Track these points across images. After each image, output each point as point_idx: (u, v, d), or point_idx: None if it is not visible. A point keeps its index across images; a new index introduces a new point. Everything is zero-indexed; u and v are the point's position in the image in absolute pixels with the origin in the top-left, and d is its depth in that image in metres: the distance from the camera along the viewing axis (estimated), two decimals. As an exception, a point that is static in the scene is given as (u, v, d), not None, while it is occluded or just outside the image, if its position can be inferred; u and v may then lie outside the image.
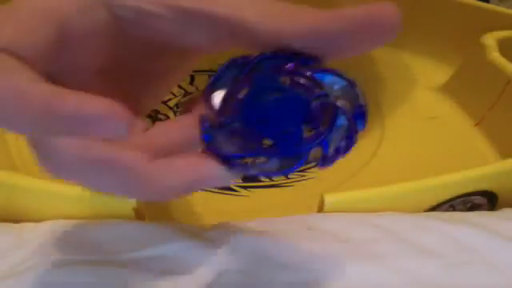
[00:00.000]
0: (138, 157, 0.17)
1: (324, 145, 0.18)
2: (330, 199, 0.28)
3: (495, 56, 0.42)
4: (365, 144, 0.42)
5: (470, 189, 0.30)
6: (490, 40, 0.44)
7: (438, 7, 0.52)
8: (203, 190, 0.18)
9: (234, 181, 0.18)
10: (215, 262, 0.25)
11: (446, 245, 0.26)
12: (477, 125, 0.43)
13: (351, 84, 0.19)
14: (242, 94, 0.17)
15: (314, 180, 0.38)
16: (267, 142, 0.18)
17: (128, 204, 0.27)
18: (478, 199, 0.30)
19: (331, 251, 0.25)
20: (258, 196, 0.37)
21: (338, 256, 0.25)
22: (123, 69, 0.19)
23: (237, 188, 0.37)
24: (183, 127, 0.19)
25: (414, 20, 0.54)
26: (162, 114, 0.44)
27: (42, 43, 0.16)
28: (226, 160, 0.18)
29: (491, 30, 0.45)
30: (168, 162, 0.18)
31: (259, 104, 0.17)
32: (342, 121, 0.18)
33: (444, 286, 0.24)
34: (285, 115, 0.17)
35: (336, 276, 0.24)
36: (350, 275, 0.24)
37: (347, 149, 0.19)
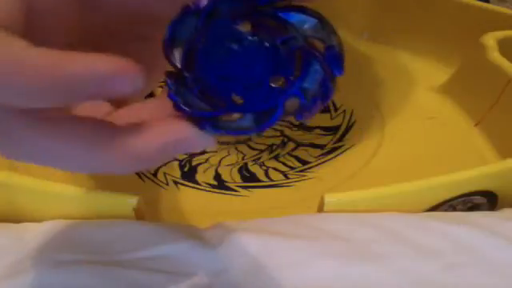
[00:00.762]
0: (103, 122, 0.16)
1: (299, 94, 0.16)
2: (330, 199, 0.28)
3: (495, 56, 0.42)
4: (365, 144, 0.42)
5: (470, 189, 0.30)
6: (490, 40, 0.44)
7: (438, 7, 0.52)
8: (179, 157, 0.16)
9: (211, 143, 0.16)
10: (215, 261, 0.25)
11: (446, 245, 0.26)
12: (477, 125, 0.43)
13: (322, 22, 0.17)
14: (202, 46, 0.16)
15: (314, 180, 0.38)
16: (236, 98, 0.16)
17: (128, 204, 0.27)
18: (478, 199, 0.30)
19: (331, 251, 0.25)
20: (258, 196, 0.37)
21: (338, 256, 0.25)
22: (101, 35, 0.18)
23: (237, 188, 0.37)
24: (159, 104, 0.18)
25: (414, 20, 0.54)
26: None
27: (16, 13, 0.14)
28: (198, 120, 0.16)
29: (491, 30, 0.45)
30: (137, 126, 0.16)
31: (219, 57, 0.16)
32: (316, 66, 0.16)
33: (444, 286, 0.24)
34: (250, 67, 0.16)
35: (336, 276, 0.24)
36: (350, 275, 0.24)
37: (325, 97, 0.17)
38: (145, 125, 0.16)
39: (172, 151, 0.16)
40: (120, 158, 0.16)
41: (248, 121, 0.16)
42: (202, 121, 0.16)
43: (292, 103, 0.16)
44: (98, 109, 0.18)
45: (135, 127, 0.16)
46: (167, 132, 0.16)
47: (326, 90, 0.16)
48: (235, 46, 0.16)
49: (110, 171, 0.16)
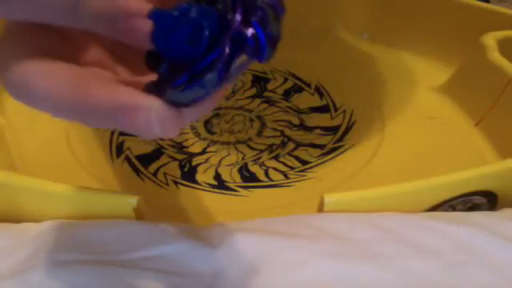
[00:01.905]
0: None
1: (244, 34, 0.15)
2: (330, 199, 0.28)
3: (495, 56, 0.42)
4: (365, 144, 0.42)
5: (470, 189, 0.30)
6: (490, 40, 0.44)
7: (438, 7, 0.52)
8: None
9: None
10: (215, 261, 0.25)
11: (446, 245, 0.26)
12: (477, 125, 0.43)
13: None
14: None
15: (314, 180, 0.38)
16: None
17: (128, 204, 0.27)
18: (478, 199, 0.30)
19: (331, 251, 0.25)
20: (258, 196, 0.37)
21: (338, 256, 0.25)
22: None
23: (237, 188, 0.37)
24: None
25: (414, 20, 0.54)
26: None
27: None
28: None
29: (491, 29, 0.45)
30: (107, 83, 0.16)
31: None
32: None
33: (444, 286, 0.24)
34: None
35: (336, 276, 0.24)
36: (350, 275, 0.24)
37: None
38: (113, 84, 0.16)
39: (129, 116, 0.15)
40: (77, 105, 0.15)
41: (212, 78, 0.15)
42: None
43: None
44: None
45: (102, 82, 0.16)
46: (131, 94, 0.16)
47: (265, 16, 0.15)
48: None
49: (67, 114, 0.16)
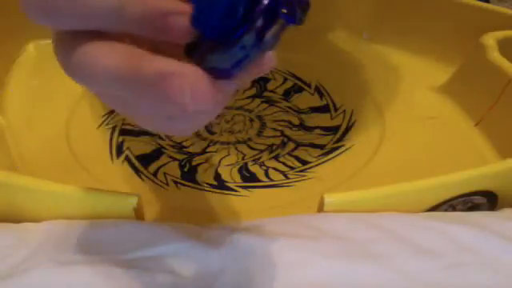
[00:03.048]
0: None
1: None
2: (330, 199, 0.28)
3: (495, 56, 0.42)
4: (365, 144, 0.42)
5: (470, 189, 0.30)
6: (490, 40, 0.44)
7: (438, 7, 0.52)
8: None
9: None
10: (215, 261, 0.25)
11: (446, 245, 0.26)
12: (477, 125, 0.43)
13: None
14: None
15: (314, 180, 0.38)
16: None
17: (128, 204, 0.27)
18: (478, 199, 0.30)
19: (331, 251, 0.25)
20: (258, 196, 0.37)
21: (338, 256, 0.25)
22: None
23: (237, 188, 0.37)
24: None
25: (413, 20, 0.54)
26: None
27: None
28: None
29: (491, 29, 0.45)
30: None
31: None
32: None
33: (444, 286, 0.24)
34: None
35: (336, 276, 0.24)
36: (350, 275, 0.24)
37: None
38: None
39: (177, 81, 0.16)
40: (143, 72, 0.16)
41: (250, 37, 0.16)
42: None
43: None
44: None
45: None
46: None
47: None
48: None
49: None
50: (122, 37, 0.18)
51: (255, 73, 0.19)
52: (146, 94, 0.17)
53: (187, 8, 0.16)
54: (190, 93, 0.15)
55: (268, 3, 0.16)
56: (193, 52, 0.18)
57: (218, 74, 0.16)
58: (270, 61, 0.19)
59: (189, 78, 0.16)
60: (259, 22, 0.16)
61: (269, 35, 0.16)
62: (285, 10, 0.16)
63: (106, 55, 0.17)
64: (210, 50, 0.17)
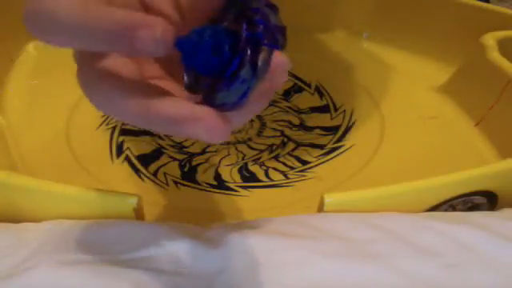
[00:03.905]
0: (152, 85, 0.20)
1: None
2: (330, 199, 0.28)
3: (495, 56, 0.42)
4: (365, 144, 0.42)
5: (470, 189, 0.30)
6: (490, 40, 0.44)
7: (438, 7, 0.52)
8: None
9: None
10: (215, 261, 0.25)
11: (446, 245, 0.26)
12: (477, 125, 0.43)
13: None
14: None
15: (314, 180, 0.38)
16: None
17: (128, 204, 0.27)
18: (478, 199, 0.30)
19: (331, 251, 0.25)
20: (258, 196, 0.37)
21: (337, 256, 0.25)
22: None
23: (237, 188, 0.37)
24: None
25: (414, 20, 0.54)
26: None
27: None
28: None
29: (491, 29, 0.45)
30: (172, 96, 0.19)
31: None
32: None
33: (444, 286, 0.24)
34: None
35: (336, 276, 0.24)
36: (350, 275, 0.24)
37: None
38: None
39: (195, 126, 0.18)
40: (153, 114, 0.18)
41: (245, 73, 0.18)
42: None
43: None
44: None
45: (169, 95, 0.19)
46: (195, 107, 0.18)
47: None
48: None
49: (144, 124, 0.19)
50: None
51: (274, 88, 0.20)
52: (166, 130, 0.19)
53: (157, 21, 0.17)
54: (206, 132, 0.18)
55: (248, 34, 0.18)
56: (195, 88, 0.19)
57: (228, 108, 0.18)
58: (284, 78, 0.20)
59: (203, 121, 0.17)
60: (248, 53, 0.17)
61: (261, 62, 0.18)
62: (266, 41, 0.18)
63: (124, 102, 0.18)
64: (212, 87, 0.18)
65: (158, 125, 0.18)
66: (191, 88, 0.20)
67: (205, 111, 0.17)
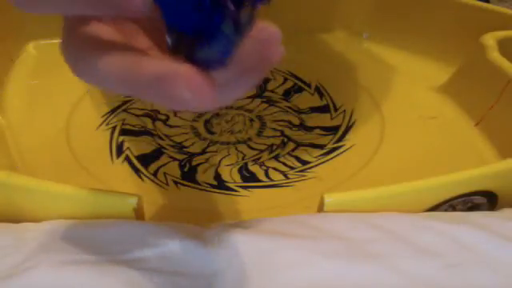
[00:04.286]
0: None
1: None
2: (329, 199, 0.28)
3: (495, 56, 0.42)
4: (365, 144, 0.42)
5: (470, 189, 0.30)
6: (490, 40, 0.44)
7: (438, 7, 0.52)
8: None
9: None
10: (215, 261, 0.25)
11: (446, 245, 0.26)
12: (477, 125, 0.43)
13: None
14: None
15: (314, 180, 0.38)
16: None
17: (128, 204, 0.27)
18: (478, 199, 0.30)
19: (331, 251, 0.25)
20: (258, 196, 0.37)
21: (337, 256, 0.25)
22: None
23: (237, 188, 0.37)
24: None
25: (414, 20, 0.54)
26: (163, 114, 0.44)
27: None
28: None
29: (491, 29, 0.45)
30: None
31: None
32: None
33: (444, 286, 0.24)
34: None
35: (336, 276, 0.24)
36: (350, 275, 0.24)
37: None
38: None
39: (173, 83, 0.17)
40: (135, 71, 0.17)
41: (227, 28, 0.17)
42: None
43: None
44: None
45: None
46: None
47: None
48: None
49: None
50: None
51: (265, 65, 0.19)
52: (148, 94, 0.18)
53: None
54: (189, 91, 0.16)
55: None
56: (178, 49, 0.18)
57: (210, 65, 0.17)
58: (277, 52, 0.19)
59: (184, 77, 0.16)
60: (231, 8, 0.17)
61: (244, 18, 0.17)
62: None
63: (107, 64, 0.18)
64: (194, 45, 0.18)
65: (140, 87, 0.18)
66: (174, 49, 0.19)
67: (187, 68, 0.17)
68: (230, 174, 0.38)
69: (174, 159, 0.39)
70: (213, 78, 0.17)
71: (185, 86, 0.16)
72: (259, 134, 0.43)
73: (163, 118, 0.44)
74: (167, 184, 0.37)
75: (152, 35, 0.22)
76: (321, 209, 0.28)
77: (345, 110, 0.46)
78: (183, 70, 0.16)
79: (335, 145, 0.42)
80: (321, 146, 0.42)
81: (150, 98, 0.18)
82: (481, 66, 0.43)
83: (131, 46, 0.20)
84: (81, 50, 0.19)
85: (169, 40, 0.19)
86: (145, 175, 0.38)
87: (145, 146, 0.41)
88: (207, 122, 0.44)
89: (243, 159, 0.40)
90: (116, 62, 0.18)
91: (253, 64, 0.19)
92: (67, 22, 0.20)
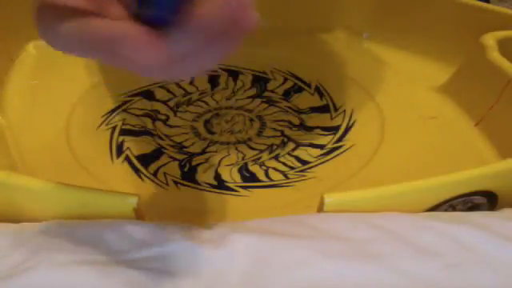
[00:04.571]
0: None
1: None
2: (330, 199, 0.28)
3: (495, 56, 0.42)
4: (365, 144, 0.42)
5: (470, 189, 0.30)
6: (490, 40, 0.44)
7: (438, 7, 0.52)
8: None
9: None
10: (215, 261, 0.25)
11: (446, 245, 0.26)
12: (477, 125, 0.43)
13: None
14: None
15: (314, 180, 0.38)
16: None
17: (128, 204, 0.27)
18: (478, 199, 0.30)
19: (331, 251, 0.25)
20: (258, 196, 0.37)
21: (338, 256, 0.25)
22: None
23: (237, 188, 0.37)
24: None
25: (413, 20, 0.54)
26: (163, 114, 0.44)
27: None
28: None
29: (491, 30, 0.45)
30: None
31: None
32: None
33: (444, 286, 0.24)
34: None
35: (336, 276, 0.24)
36: (350, 275, 0.24)
37: None
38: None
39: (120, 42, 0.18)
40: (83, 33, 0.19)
41: None
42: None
43: None
44: None
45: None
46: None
47: None
48: None
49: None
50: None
51: (237, 30, 0.19)
52: (105, 55, 0.19)
53: None
54: (134, 50, 0.17)
55: None
56: (137, 12, 0.19)
57: (155, 21, 0.18)
58: (249, 16, 0.19)
59: (130, 37, 0.17)
60: None
61: None
62: None
63: (70, 30, 0.19)
64: (142, 2, 0.18)
65: (98, 49, 0.18)
66: (136, 13, 0.20)
67: (134, 28, 0.18)
68: (230, 174, 0.38)
69: (174, 159, 0.39)
70: (161, 39, 0.18)
71: (131, 46, 0.17)
72: (259, 133, 0.43)
73: (163, 117, 0.44)
74: (167, 184, 0.37)
75: (125, 4, 0.22)
76: (321, 209, 0.28)
77: (345, 110, 0.46)
78: (130, 31, 0.17)
79: (335, 145, 0.42)
80: (321, 146, 0.42)
81: (108, 60, 0.19)
82: (481, 66, 0.43)
83: (102, 14, 0.21)
84: (48, 17, 0.20)
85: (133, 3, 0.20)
86: (145, 175, 0.38)
87: (145, 146, 0.41)
88: (207, 122, 0.44)
89: (243, 159, 0.40)
90: (78, 28, 0.19)
91: (222, 29, 0.18)
92: None
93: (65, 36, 0.19)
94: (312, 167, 0.39)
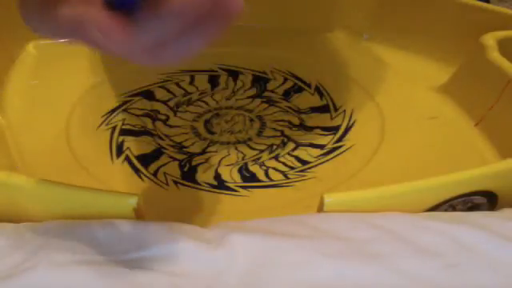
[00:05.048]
0: None
1: None
2: (329, 199, 0.28)
3: (495, 56, 0.42)
4: (365, 144, 0.42)
5: (470, 189, 0.30)
6: (490, 40, 0.44)
7: (438, 7, 0.52)
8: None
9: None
10: (215, 261, 0.25)
11: (446, 245, 0.26)
12: (477, 125, 0.43)
13: None
14: None
15: (314, 180, 0.38)
16: None
17: (128, 204, 0.27)
18: (478, 199, 0.30)
19: (331, 251, 0.25)
20: (258, 196, 0.37)
21: (338, 256, 0.25)
22: None
23: (237, 188, 0.37)
24: None
25: (413, 20, 0.54)
26: (163, 114, 0.44)
27: None
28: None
29: (491, 29, 0.45)
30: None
31: None
32: None
33: (444, 286, 0.24)
34: None
35: (336, 276, 0.24)
36: (350, 275, 0.24)
37: None
38: None
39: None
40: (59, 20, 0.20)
41: None
42: None
43: None
44: None
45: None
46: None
47: None
48: None
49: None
50: None
51: (223, 15, 0.19)
52: (77, 38, 0.20)
53: None
54: (100, 33, 0.18)
55: None
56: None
57: (122, 6, 0.19)
58: (233, 4, 0.19)
59: (95, 21, 0.18)
60: None
61: None
62: None
63: (49, 17, 0.20)
64: None
65: (71, 33, 0.19)
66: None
67: (99, 13, 0.18)
68: (229, 174, 0.38)
69: (174, 159, 0.39)
70: (124, 22, 0.18)
71: (96, 29, 0.18)
72: (259, 133, 0.43)
73: (163, 117, 0.44)
74: (167, 184, 0.37)
75: None
76: (321, 209, 0.28)
77: (345, 110, 0.46)
78: (96, 15, 0.18)
79: (335, 145, 0.42)
80: (321, 146, 0.42)
81: (82, 43, 0.20)
82: (481, 66, 0.43)
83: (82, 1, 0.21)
84: (31, 6, 0.22)
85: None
86: (145, 175, 0.38)
87: (145, 146, 0.41)
88: (207, 122, 0.44)
89: (243, 159, 0.40)
90: (46, 12, 0.20)
91: (204, 12, 0.18)
92: None
93: (46, 24, 0.21)
94: (312, 167, 0.39)
